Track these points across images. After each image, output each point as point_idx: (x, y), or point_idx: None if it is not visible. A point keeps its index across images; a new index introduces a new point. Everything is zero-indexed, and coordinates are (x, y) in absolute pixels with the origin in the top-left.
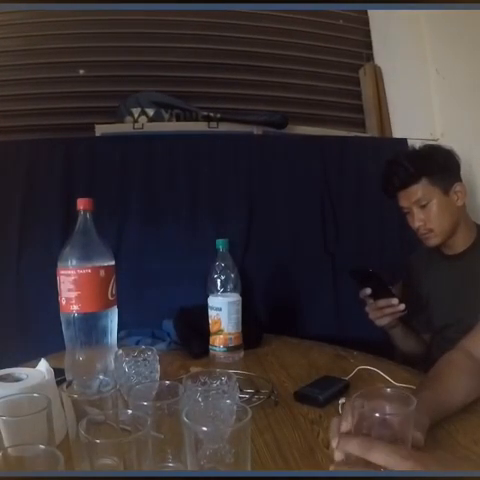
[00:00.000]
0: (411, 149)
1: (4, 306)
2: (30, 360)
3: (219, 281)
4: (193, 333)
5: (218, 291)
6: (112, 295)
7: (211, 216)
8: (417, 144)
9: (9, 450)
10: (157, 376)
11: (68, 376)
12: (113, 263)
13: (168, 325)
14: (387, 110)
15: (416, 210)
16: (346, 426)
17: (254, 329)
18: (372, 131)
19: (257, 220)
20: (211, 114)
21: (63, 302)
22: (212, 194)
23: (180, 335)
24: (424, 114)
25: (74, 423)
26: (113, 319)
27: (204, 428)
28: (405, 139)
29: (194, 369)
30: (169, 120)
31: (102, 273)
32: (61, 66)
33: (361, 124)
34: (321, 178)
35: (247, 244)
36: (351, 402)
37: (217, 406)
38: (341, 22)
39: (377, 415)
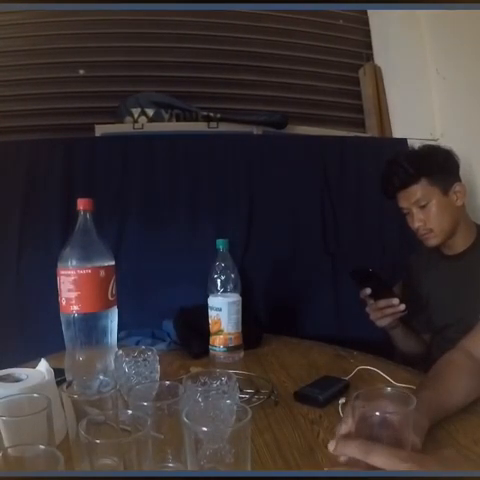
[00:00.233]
0: (410, 149)
1: (4, 306)
2: (30, 360)
3: (219, 281)
4: (193, 333)
5: (218, 291)
6: (112, 295)
7: (211, 216)
8: (417, 144)
9: (9, 450)
10: (157, 376)
11: (68, 376)
12: (113, 263)
13: (168, 325)
14: (387, 110)
15: (416, 210)
16: (345, 428)
17: (254, 329)
18: (372, 131)
19: (257, 220)
20: (211, 114)
21: (63, 302)
22: (212, 194)
23: (180, 335)
24: (424, 114)
25: (74, 423)
26: (113, 319)
27: (204, 428)
28: (405, 139)
29: (194, 369)
30: (169, 120)
31: (102, 273)
32: (61, 66)
33: (361, 124)
34: (321, 178)
35: (247, 244)
36: (351, 403)
37: (217, 406)
38: (341, 22)
39: (377, 414)
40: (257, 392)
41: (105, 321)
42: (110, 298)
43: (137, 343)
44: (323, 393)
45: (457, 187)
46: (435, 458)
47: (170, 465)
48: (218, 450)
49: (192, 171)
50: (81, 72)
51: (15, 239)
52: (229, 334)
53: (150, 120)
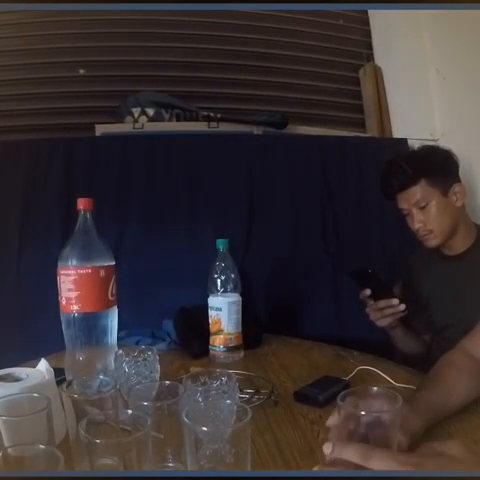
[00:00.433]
0: (409, 151)
1: (4, 306)
2: (30, 360)
3: (219, 281)
4: (193, 333)
5: (218, 291)
6: (112, 295)
7: (211, 216)
8: (417, 144)
9: (9, 450)
10: (157, 376)
11: (68, 376)
12: (113, 263)
13: (168, 325)
14: (387, 110)
15: (415, 212)
16: (331, 422)
17: (254, 329)
18: (372, 131)
19: (257, 220)
20: (211, 114)
21: (63, 302)
22: (212, 194)
23: (180, 335)
24: (424, 114)
25: (74, 423)
26: (113, 319)
27: (204, 428)
28: (405, 139)
29: (194, 369)
30: (169, 120)
31: (102, 273)
32: (61, 66)
33: (361, 124)
34: (321, 178)
35: (247, 244)
36: (337, 402)
37: (217, 406)
38: (341, 22)
39: (363, 413)
40: (257, 392)
41: (105, 321)
42: (110, 298)
43: (137, 343)
44: (323, 393)
45: (457, 188)
46: (434, 461)
47: (170, 465)
48: (218, 450)
49: (192, 171)
50: (81, 72)
51: (15, 239)
52: (229, 334)
53: (150, 120)
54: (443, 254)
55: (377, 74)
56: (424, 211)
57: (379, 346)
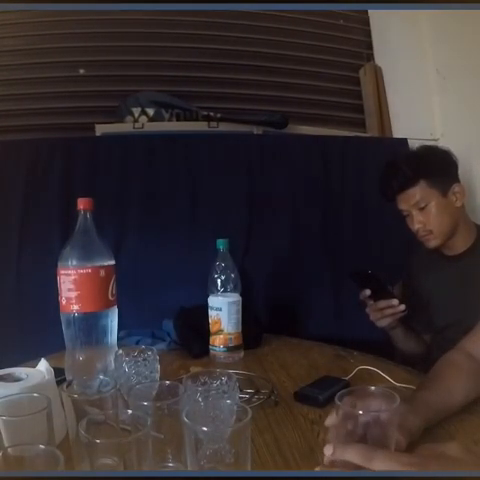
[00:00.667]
0: (408, 152)
1: (4, 306)
2: (30, 360)
3: (219, 281)
4: (193, 333)
5: (218, 291)
6: (112, 295)
7: (211, 216)
8: (417, 144)
9: (9, 450)
10: (157, 376)
11: (68, 376)
12: (113, 263)
13: (168, 325)
14: (387, 110)
15: (415, 212)
16: (329, 422)
17: (254, 329)
18: (372, 131)
19: (257, 220)
20: (211, 114)
21: (63, 302)
22: (212, 194)
23: (180, 335)
24: (424, 114)
25: (74, 423)
26: (113, 319)
27: (204, 428)
28: (405, 139)
29: (194, 369)
30: (169, 120)
31: (102, 273)
32: (61, 65)
33: (361, 124)
34: (321, 178)
35: (247, 244)
36: (335, 402)
37: (217, 406)
38: (341, 22)
39: (360, 413)
40: (257, 392)
41: (105, 321)
42: (110, 298)
43: (137, 343)
44: (323, 393)
45: (456, 188)
46: (436, 461)
47: (170, 465)
48: (218, 450)
49: (192, 171)
50: (81, 71)
51: (15, 239)
52: (229, 334)
53: (150, 120)
54: (443, 254)
55: (377, 74)
56: (424, 212)
57: (379, 346)
